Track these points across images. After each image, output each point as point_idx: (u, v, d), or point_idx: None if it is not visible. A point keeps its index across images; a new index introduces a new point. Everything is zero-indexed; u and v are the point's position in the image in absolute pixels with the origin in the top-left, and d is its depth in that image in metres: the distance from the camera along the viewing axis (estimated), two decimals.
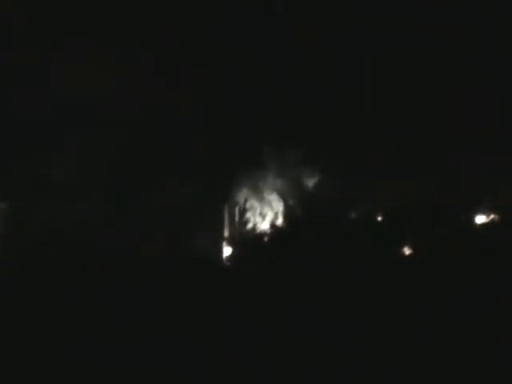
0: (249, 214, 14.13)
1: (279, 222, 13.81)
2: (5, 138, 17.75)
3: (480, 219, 18.65)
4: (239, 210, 14.07)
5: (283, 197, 14.10)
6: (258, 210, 14.16)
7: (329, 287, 14.21)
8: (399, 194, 15.81)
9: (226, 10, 18.89)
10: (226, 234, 13.99)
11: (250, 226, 14.08)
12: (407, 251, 15.32)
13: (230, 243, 13.79)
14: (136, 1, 18.98)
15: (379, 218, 15.28)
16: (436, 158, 17.52)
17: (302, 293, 13.73)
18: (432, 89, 19.34)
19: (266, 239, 13.61)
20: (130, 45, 18.70)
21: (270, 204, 14.12)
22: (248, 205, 14.24)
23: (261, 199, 14.13)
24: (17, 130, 17.75)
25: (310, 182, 13.99)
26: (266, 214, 14.02)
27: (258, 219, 14.02)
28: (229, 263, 13.48)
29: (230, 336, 13.52)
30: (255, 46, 19.02)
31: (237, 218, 14.06)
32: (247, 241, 13.70)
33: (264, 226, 13.89)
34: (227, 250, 13.68)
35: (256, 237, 13.64)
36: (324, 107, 18.36)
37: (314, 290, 14.68)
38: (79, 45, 18.47)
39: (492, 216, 18.55)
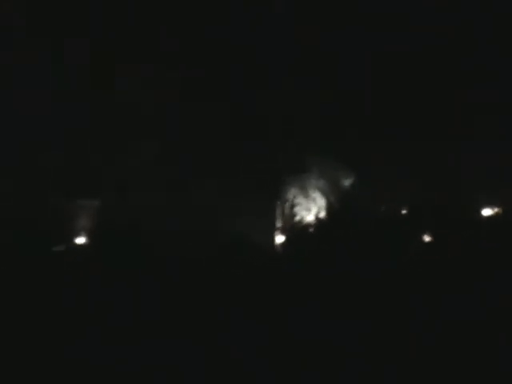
0: (296, 209, 17.11)
1: (321, 215, 16.83)
2: (100, 138, 18.09)
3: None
4: (289, 206, 17.02)
5: (325, 194, 17.03)
6: (304, 206, 17.16)
7: (339, 284, 15.05)
8: (417, 193, 17.20)
9: (225, 9, 18.89)
10: (278, 225, 16.78)
11: (297, 218, 17.03)
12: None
13: (282, 232, 16.70)
14: (136, 1, 18.97)
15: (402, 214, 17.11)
16: (448, 158, 17.95)
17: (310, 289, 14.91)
18: (432, 89, 19.35)
19: (310, 229, 16.51)
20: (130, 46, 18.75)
21: (314, 200, 17.11)
22: (296, 201, 17.15)
23: (306, 196, 17.12)
24: (106, 132, 18.16)
25: (346, 182, 16.83)
26: (310, 209, 17.04)
27: (305, 213, 17.07)
28: (280, 249, 16.21)
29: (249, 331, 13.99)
30: (255, 46, 19.03)
31: (287, 212, 16.97)
32: (295, 230, 16.59)
33: (309, 218, 16.88)
34: (279, 238, 16.57)
35: (303, 227, 16.66)
36: (341, 110, 18.65)
37: (321, 287, 15.31)
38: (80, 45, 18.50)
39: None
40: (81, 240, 17.41)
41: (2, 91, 18.19)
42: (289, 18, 19.06)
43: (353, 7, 18.92)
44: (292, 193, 17.24)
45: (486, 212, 18.51)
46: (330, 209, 17.10)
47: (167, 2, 18.97)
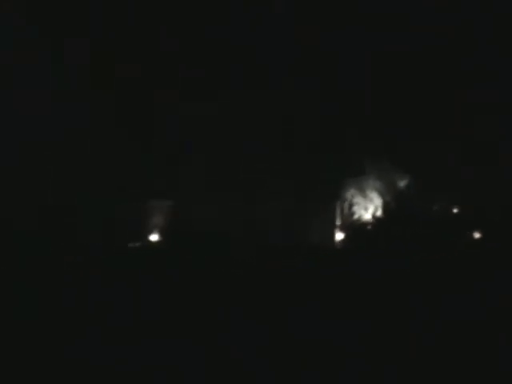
0: (355, 208, 18.38)
1: (378, 213, 18.14)
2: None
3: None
4: (348, 205, 18.30)
5: (381, 194, 18.30)
6: (363, 205, 18.42)
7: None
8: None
9: (225, 9, 18.88)
10: (338, 222, 18.12)
11: (356, 216, 18.32)
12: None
13: (341, 229, 18.03)
14: (136, 1, 18.97)
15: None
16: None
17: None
18: (432, 89, 19.34)
19: (368, 226, 18.04)
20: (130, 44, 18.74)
21: (371, 200, 18.36)
22: (355, 201, 18.42)
23: (364, 197, 18.36)
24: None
25: (401, 183, 18.08)
26: (368, 208, 18.32)
27: (363, 212, 18.35)
28: (339, 244, 17.60)
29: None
30: (255, 46, 19.02)
31: (346, 211, 18.29)
32: (354, 227, 17.99)
33: (367, 216, 18.19)
34: (339, 235, 17.92)
35: (361, 224, 18.09)
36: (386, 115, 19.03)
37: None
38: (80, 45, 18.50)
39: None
40: (154, 237, 18.72)
41: (2, 91, 18.20)
42: (289, 18, 19.06)
43: (353, 7, 18.91)
44: (351, 193, 18.38)
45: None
46: (386, 208, 18.26)
47: (167, 1, 18.96)
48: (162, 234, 18.59)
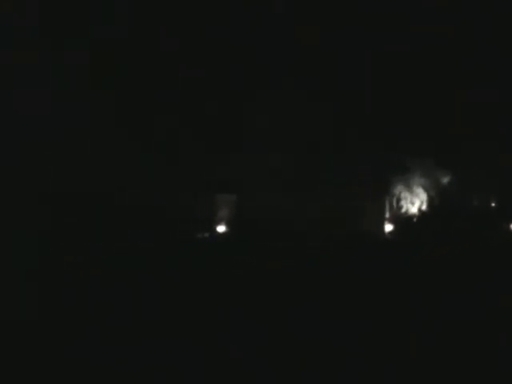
0: (402, 202, 20.07)
1: (424, 207, 19.91)
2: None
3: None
4: (396, 200, 20.01)
5: (426, 190, 19.94)
6: (409, 200, 20.08)
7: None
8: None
9: (225, 9, 18.88)
10: (387, 215, 19.81)
11: (403, 210, 20.04)
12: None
13: (390, 221, 19.76)
14: (136, 0, 18.97)
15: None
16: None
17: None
18: (432, 89, 19.34)
19: (414, 219, 19.82)
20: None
21: (417, 195, 19.94)
22: (402, 196, 20.06)
23: (411, 192, 19.96)
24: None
25: (444, 180, 19.66)
26: (414, 202, 19.98)
27: (409, 206, 20.03)
28: (389, 235, 19.36)
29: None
30: (255, 46, 19.03)
31: (394, 205, 19.99)
32: (401, 220, 19.80)
33: (413, 210, 19.92)
34: (388, 227, 19.62)
35: (408, 217, 19.92)
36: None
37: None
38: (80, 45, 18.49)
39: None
40: (221, 228, 20.01)
41: (2, 91, 18.19)
42: (289, 18, 19.06)
43: (353, 7, 18.91)
44: (398, 189, 19.88)
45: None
46: (430, 202, 19.78)
47: (167, 1, 18.96)
48: (228, 226, 19.92)
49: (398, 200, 19.94)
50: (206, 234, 19.55)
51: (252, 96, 19.16)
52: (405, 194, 20.00)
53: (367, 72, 19.31)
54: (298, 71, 19.31)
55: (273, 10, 19.13)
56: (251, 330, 14.16)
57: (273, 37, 19.00)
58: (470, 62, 19.02)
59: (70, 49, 18.52)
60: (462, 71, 19.11)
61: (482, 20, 18.76)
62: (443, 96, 19.30)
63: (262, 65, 19.11)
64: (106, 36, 18.71)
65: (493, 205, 19.54)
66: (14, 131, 18.21)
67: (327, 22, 18.97)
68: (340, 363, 13.53)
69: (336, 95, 19.35)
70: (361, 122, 19.50)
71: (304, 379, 13.35)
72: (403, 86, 19.27)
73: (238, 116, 19.24)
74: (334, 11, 18.96)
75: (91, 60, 18.72)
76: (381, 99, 19.39)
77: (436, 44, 19.01)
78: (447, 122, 19.25)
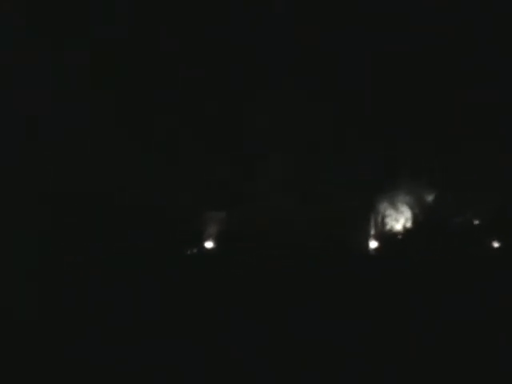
0: (387, 219, 20.12)
1: (408, 224, 20.03)
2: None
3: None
4: (381, 217, 20.09)
5: (411, 208, 20.05)
6: (394, 217, 20.16)
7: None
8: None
9: (225, 9, 18.88)
10: (372, 232, 19.93)
11: (388, 227, 20.10)
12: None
13: (375, 239, 19.84)
14: (136, 0, 18.97)
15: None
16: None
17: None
18: (432, 89, 19.34)
19: (399, 236, 19.90)
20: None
21: (402, 213, 20.07)
22: (387, 213, 20.11)
23: (396, 209, 20.09)
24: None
25: (429, 198, 19.80)
26: (399, 219, 20.10)
27: (394, 223, 20.12)
28: (373, 252, 19.54)
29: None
30: (255, 46, 19.03)
31: (379, 222, 20.09)
32: (386, 237, 19.90)
33: (398, 227, 20.01)
34: (373, 244, 19.73)
35: (392, 234, 20.01)
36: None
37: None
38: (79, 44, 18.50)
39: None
40: (209, 245, 19.77)
41: (2, 91, 18.19)
42: (289, 18, 19.06)
43: (353, 7, 18.91)
44: (384, 207, 20.06)
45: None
46: (415, 220, 19.90)
47: (167, 2, 18.96)
48: (216, 242, 19.75)
49: (383, 217, 20.08)
50: (194, 250, 19.58)
51: (252, 96, 19.16)
52: (390, 212, 20.11)
53: (367, 72, 19.30)
54: (298, 71, 19.31)
55: (273, 10, 19.13)
56: (248, 331, 14.15)
57: (273, 37, 19.00)
58: (469, 62, 19.01)
59: (69, 49, 18.53)
60: (461, 71, 19.10)
61: (481, 20, 18.76)
62: (443, 96, 19.30)
63: (262, 65, 19.11)
64: (106, 36, 18.71)
65: (478, 222, 19.54)
66: (14, 131, 18.22)
67: (327, 21, 18.97)
68: (336, 363, 13.53)
69: (336, 95, 19.35)
70: (361, 122, 19.50)
71: (304, 379, 13.35)
72: (403, 86, 19.27)
73: (238, 116, 19.24)
74: (334, 11, 18.96)
75: (91, 60, 18.73)
76: (381, 99, 19.39)
77: (436, 44, 19.00)
78: (447, 123, 19.25)
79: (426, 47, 18.98)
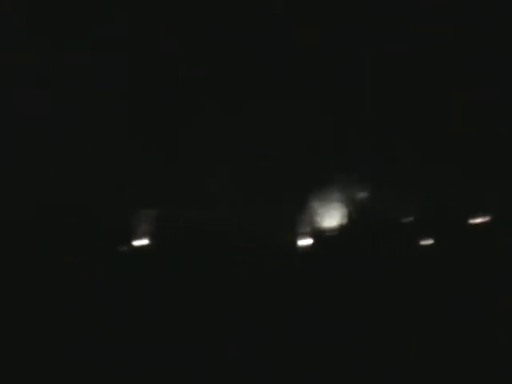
0: (318, 218, 19.45)
1: (340, 221, 19.41)
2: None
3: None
4: (312, 213, 19.43)
5: (340, 207, 19.44)
6: (326, 214, 19.47)
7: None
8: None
9: (225, 9, 18.89)
10: (303, 229, 19.37)
11: (316, 226, 19.49)
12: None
13: (306, 235, 19.30)
14: (136, 1, 18.97)
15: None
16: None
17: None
18: (432, 89, 19.35)
19: (330, 233, 19.27)
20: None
21: (334, 209, 19.45)
22: (319, 210, 19.51)
23: (328, 206, 19.46)
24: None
25: (364, 194, 19.26)
26: (329, 218, 19.46)
27: (326, 219, 19.49)
28: (302, 249, 18.97)
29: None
30: (255, 45, 19.03)
31: (310, 219, 19.47)
32: (315, 235, 19.31)
33: (329, 224, 19.45)
34: (304, 241, 19.23)
35: (320, 232, 19.38)
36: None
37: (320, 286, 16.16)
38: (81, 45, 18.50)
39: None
40: (142, 242, 18.93)
41: (2, 91, 18.20)
42: (289, 17, 19.06)
43: (353, 7, 18.92)
44: (316, 202, 19.48)
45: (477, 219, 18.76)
46: (348, 217, 19.31)
47: (167, 2, 18.96)
48: (150, 240, 18.79)
49: (314, 214, 19.52)
50: (125, 248, 19.05)
51: (252, 96, 19.16)
52: (322, 209, 19.50)
53: (367, 72, 19.31)
54: (298, 71, 19.32)
55: (273, 9, 19.13)
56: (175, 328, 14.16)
57: (273, 37, 19.00)
58: (470, 62, 19.02)
59: (70, 49, 18.53)
60: (461, 71, 19.10)
61: (482, 20, 18.76)
62: (443, 96, 19.31)
63: (262, 65, 19.12)
64: (106, 36, 18.72)
65: (411, 219, 19.43)
66: (14, 131, 18.21)
67: (327, 21, 18.97)
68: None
69: (336, 95, 19.36)
70: (361, 121, 19.51)
71: (304, 379, 13.35)
72: (403, 86, 19.28)
73: (238, 116, 19.24)
74: (334, 11, 18.97)
75: (91, 60, 18.73)
76: (381, 99, 19.40)
77: (436, 44, 19.01)
78: (447, 123, 19.25)
79: (425, 47, 18.99)
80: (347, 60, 19.15)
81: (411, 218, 18.76)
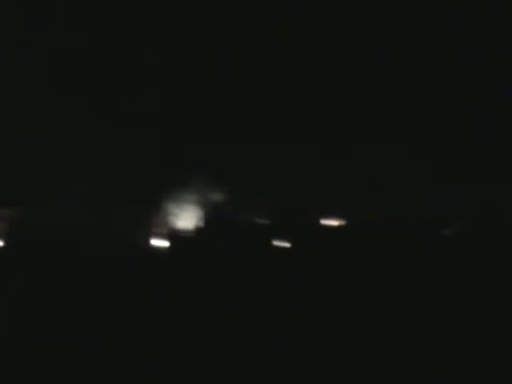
0: (171, 218, 19.19)
1: (193, 223, 19.17)
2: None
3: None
4: (164, 216, 19.17)
5: (194, 208, 19.26)
6: (178, 215, 19.23)
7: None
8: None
9: (226, 9, 18.91)
10: (155, 230, 19.12)
11: (170, 226, 19.23)
12: None
13: (158, 237, 19.05)
14: (136, 1, 19.01)
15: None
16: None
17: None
18: (432, 89, 19.37)
19: (183, 235, 19.07)
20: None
21: (187, 211, 19.22)
22: (171, 211, 19.22)
23: (180, 207, 19.26)
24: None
25: (214, 198, 19.10)
26: (184, 218, 19.18)
27: (178, 221, 19.21)
28: (154, 250, 18.86)
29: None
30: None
31: (162, 221, 19.18)
32: (168, 235, 19.12)
33: (182, 225, 19.18)
34: (156, 242, 18.97)
35: (174, 233, 19.13)
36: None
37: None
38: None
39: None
40: None
41: (2, 91, 18.22)
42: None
43: (353, 7, 18.94)
44: (168, 204, 19.28)
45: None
46: (201, 218, 19.16)
47: (167, 1, 19.00)
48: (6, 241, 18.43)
49: (167, 215, 19.34)
50: None
51: (251, 95, 19.19)
52: (175, 211, 19.33)
53: (367, 72, 19.34)
54: (298, 71, 19.34)
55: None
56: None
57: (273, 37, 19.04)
58: (469, 62, 19.04)
59: (70, 48, 18.55)
60: (461, 71, 19.13)
61: (481, 20, 18.78)
62: (443, 96, 19.33)
63: (263, 65, 19.15)
64: (106, 36, 18.75)
65: (266, 221, 19.10)
66: (13, 131, 18.24)
67: (327, 21, 19.00)
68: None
69: (336, 95, 19.38)
70: (361, 121, 19.53)
71: (304, 379, 13.37)
72: (403, 86, 19.31)
73: (238, 116, 19.26)
74: (334, 11, 19.00)
75: (91, 60, 18.76)
76: (381, 99, 19.42)
77: (436, 44, 19.03)
78: (447, 123, 19.28)
79: (425, 47, 19.01)
80: (347, 60, 19.22)
81: (266, 220, 18.90)
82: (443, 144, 18.83)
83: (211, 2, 18.99)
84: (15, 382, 13.74)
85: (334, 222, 18.39)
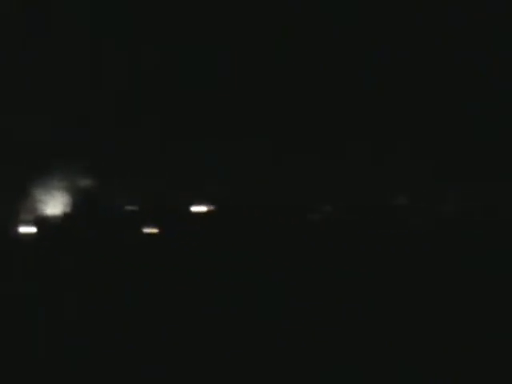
0: (40, 206, 18.93)
1: (63, 210, 19.05)
2: None
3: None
4: (33, 201, 18.91)
5: (66, 193, 19.01)
6: (47, 202, 18.99)
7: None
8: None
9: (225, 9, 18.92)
10: (25, 217, 18.94)
11: (41, 212, 19.01)
12: None
13: (28, 224, 18.81)
14: (136, 1, 19.02)
15: None
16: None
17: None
18: (432, 89, 19.37)
19: (54, 222, 18.89)
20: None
21: (55, 198, 19.02)
22: (40, 198, 18.93)
23: (49, 194, 19.00)
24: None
25: (86, 183, 19.02)
26: (53, 205, 19.03)
27: (48, 208, 19.00)
28: (25, 236, 18.75)
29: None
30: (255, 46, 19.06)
31: (31, 207, 18.93)
32: (40, 222, 18.95)
33: (52, 212, 19.02)
34: (25, 229, 18.79)
35: (42, 219, 18.92)
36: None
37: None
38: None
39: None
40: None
41: (2, 91, 18.22)
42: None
43: (353, 7, 18.95)
44: (37, 190, 19.06)
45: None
46: (70, 205, 19.12)
47: (167, 1, 19.01)
48: None
49: (36, 202, 19.09)
50: None
51: (251, 95, 19.19)
52: (43, 196, 19.13)
53: (367, 72, 19.34)
54: (298, 71, 19.35)
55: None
56: None
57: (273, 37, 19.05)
58: (469, 62, 19.04)
59: (71, 49, 18.56)
60: (461, 71, 19.13)
61: (481, 20, 18.79)
62: (443, 96, 19.34)
63: (262, 65, 19.15)
64: (106, 36, 18.75)
65: (136, 207, 19.16)
66: (13, 131, 18.24)
67: (327, 21, 19.01)
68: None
69: (336, 95, 19.38)
70: (360, 121, 19.53)
71: (304, 379, 13.36)
72: (403, 86, 19.31)
73: (237, 116, 19.27)
74: (334, 11, 19.00)
75: (91, 60, 18.77)
76: (380, 99, 19.42)
77: (436, 44, 19.04)
78: (446, 123, 19.28)
79: (425, 47, 19.02)
80: (347, 60, 19.22)
81: (136, 207, 18.96)
82: (443, 144, 18.82)
83: (211, 2, 19.00)
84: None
85: (201, 208, 18.39)
